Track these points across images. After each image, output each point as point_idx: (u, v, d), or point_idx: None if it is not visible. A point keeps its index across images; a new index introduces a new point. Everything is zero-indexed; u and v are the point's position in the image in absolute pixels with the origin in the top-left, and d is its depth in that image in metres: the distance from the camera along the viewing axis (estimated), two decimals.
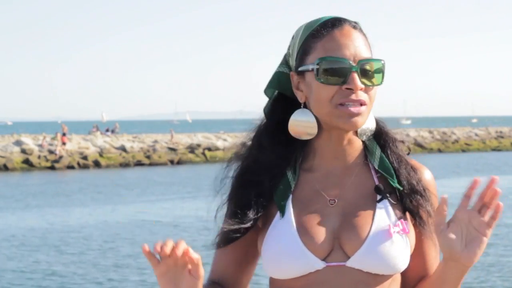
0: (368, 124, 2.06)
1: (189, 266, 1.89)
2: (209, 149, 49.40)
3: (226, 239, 2.05)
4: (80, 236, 18.49)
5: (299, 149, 2.07)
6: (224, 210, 2.08)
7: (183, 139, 51.14)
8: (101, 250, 16.63)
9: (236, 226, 2.02)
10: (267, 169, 2.05)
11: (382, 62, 2.00)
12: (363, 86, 1.96)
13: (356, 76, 1.95)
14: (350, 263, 1.95)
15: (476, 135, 68.20)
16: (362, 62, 1.97)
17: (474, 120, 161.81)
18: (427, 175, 2.09)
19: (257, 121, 2.13)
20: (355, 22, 2.03)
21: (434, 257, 2.08)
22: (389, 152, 2.07)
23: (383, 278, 1.97)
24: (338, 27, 2.00)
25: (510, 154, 55.66)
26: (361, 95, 1.97)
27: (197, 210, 23.26)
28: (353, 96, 1.96)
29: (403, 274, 2.06)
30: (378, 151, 2.07)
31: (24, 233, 19.10)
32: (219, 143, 50.40)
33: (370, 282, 1.96)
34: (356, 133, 2.07)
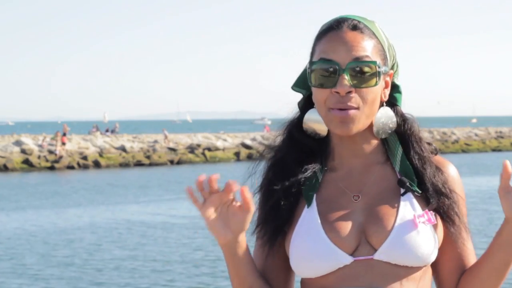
0: (385, 121, 2.03)
1: (237, 202, 1.91)
2: (209, 149, 49.37)
3: (269, 237, 2.04)
4: (70, 239, 18.26)
5: (324, 148, 2.08)
6: (255, 201, 2.08)
7: (183, 139, 51.11)
8: (90, 252, 16.45)
9: (273, 224, 2.02)
10: (297, 162, 2.05)
11: (377, 63, 1.97)
12: (351, 88, 1.95)
13: (343, 78, 1.94)
14: (377, 255, 1.94)
15: (476, 135, 68.20)
16: (351, 64, 1.95)
17: (474, 120, 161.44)
18: (452, 171, 2.08)
19: (289, 116, 2.13)
20: (358, 21, 2.00)
21: (469, 250, 2.07)
22: (412, 153, 2.05)
23: (412, 270, 1.96)
24: (336, 29, 1.99)
25: (510, 154, 55.66)
26: (352, 99, 1.95)
27: (195, 210, 23.21)
28: (341, 100, 1.95)
29: (440, 271, 2.06)
30: (399, 152, 2.06)
31: (11, 236, 18.86)
32: (219, 143, 50.39)
33: (399, 274, 1.95)
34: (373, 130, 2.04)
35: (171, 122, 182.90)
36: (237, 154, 48.91)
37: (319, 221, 1.97)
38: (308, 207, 2.00)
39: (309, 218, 1.99)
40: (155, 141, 49.69)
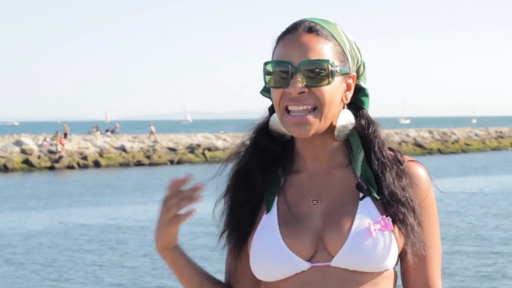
0: (344, 124, 2.03)
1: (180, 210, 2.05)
2: (209, 149, 49.46)
3: (234, 244, 2.07)
4: (57, 241, 18.07)
5: (288, 151, 2.09)
6: (221, 207, 2.11)
7: (183, 139, 51.19)
8: (76, 256, 16.20)
9: (236, 232, 2.05)
10: (261, 168, 2.07)
11: (330, 61, 1.97)
12: (305, 89, 1.96)
13: (296, 78, 1.96)
14: (334, 262, 1.95)
15: (476, 135, 68.29)
16: (303, 63, 1.96)
17: (474, 121, 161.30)
18: (414, 169, 2.06)
19: (257, 120, 2.14)
20: (315, 23, 2.02)
21: (428, 258, 2.04)
22: (372, 157, 2.04)
23: (371, 275, 1.96)
24: (292, 32, 2.01)
25: (510, 154, 55.66)
26: (306, 99, 1.97)
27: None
28: (295, 99, 1.97)
29: (404, 279, 2.05)
30: (361, 157, 2.05)
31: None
32: (219, 143, 50.45)
33: (357, 280, 1.95)
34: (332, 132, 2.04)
35: (177, 123, 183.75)
36: None
37: (278, 226, 1.99)
38: (267, 213, 2.02)
39: (268, 223, 2.01)
40: (155, 141, 49.76)
